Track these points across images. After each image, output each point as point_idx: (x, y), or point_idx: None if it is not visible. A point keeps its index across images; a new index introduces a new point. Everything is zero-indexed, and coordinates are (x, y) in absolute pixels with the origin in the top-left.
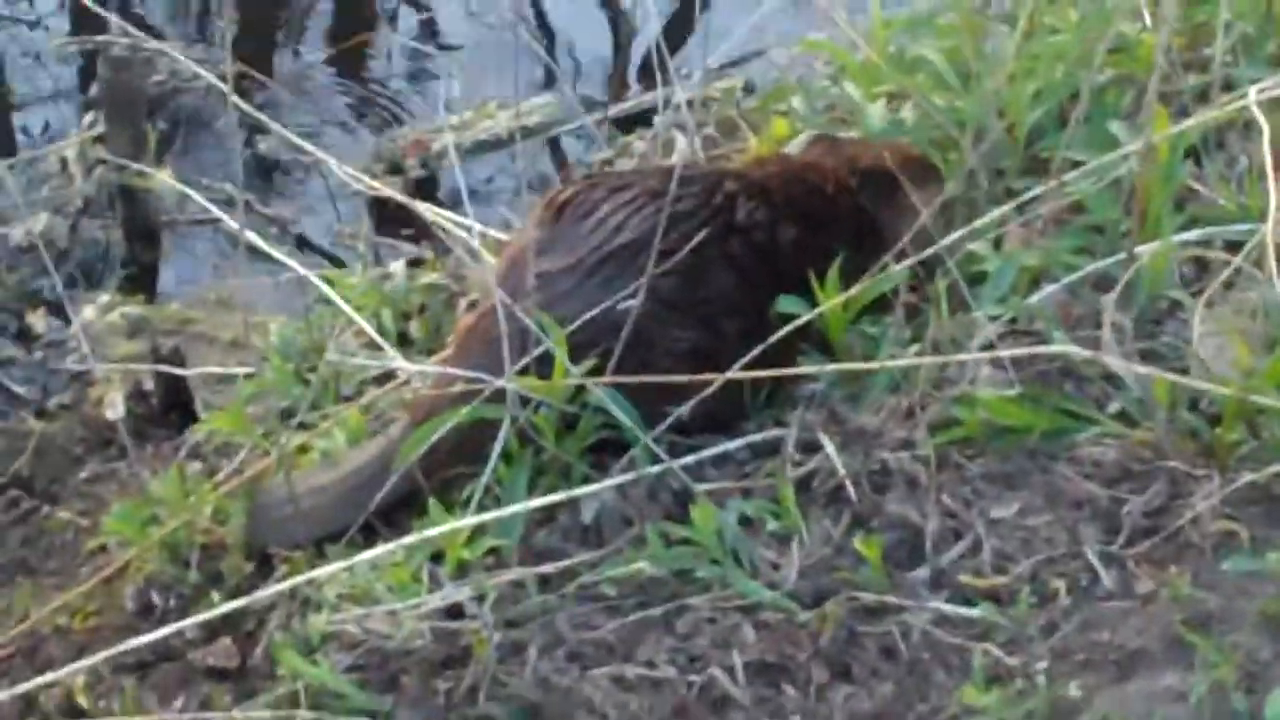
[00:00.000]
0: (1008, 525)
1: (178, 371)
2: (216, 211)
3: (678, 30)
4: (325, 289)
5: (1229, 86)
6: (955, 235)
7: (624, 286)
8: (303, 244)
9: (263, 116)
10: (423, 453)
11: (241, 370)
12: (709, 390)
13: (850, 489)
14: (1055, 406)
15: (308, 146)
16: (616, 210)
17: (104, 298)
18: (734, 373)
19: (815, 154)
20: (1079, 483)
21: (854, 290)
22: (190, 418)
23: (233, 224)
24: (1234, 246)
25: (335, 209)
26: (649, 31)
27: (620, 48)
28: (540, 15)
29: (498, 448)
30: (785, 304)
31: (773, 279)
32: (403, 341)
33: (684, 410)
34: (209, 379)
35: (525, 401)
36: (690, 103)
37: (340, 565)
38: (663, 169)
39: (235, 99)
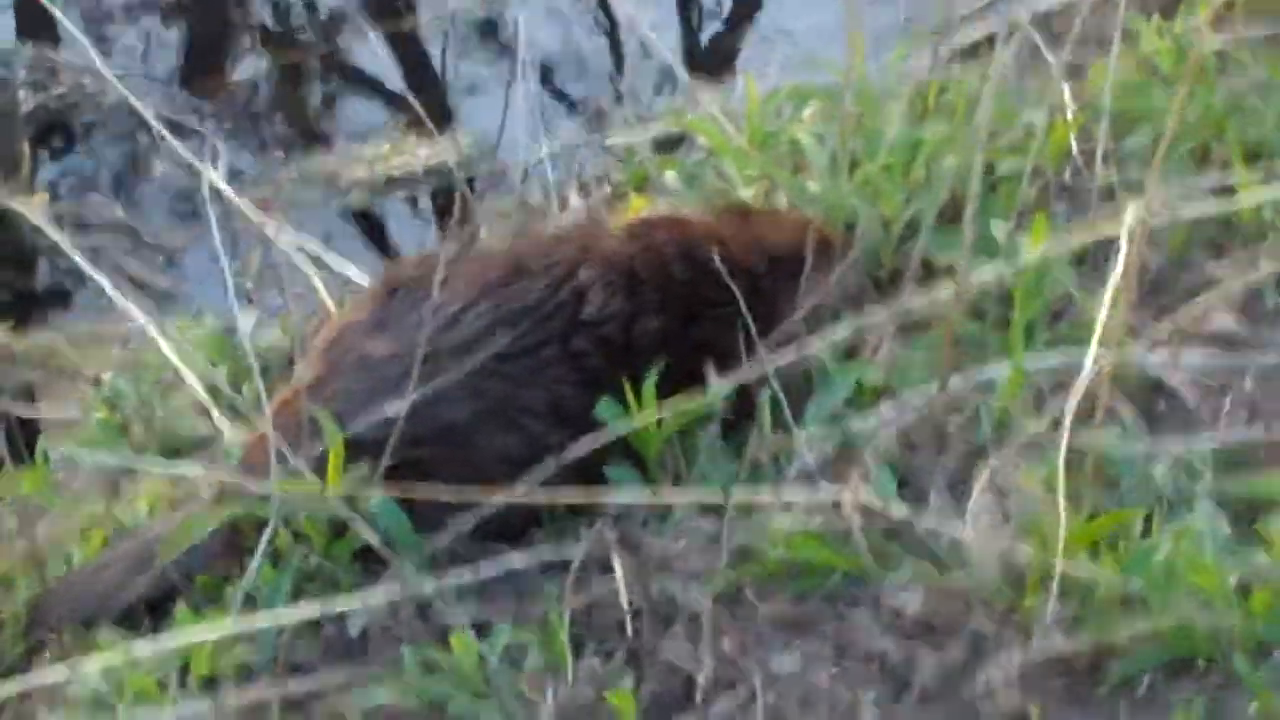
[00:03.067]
0: (788, 679)
1: (17, 412)
2: (65, 244)
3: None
4: (160, 341)
5: (1136, 188)
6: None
7: (451, 385)
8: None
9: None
10: (194, 546)
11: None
12: (497, 503)
13: (629, 623)
14: (860, 544)
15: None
16: (453, 300)
17: None
18: (515, 496)
19: (718, 227)
20: (874, 635)
21: (668, 410)
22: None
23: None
24: None
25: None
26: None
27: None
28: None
29: (259, 551)
30: (602, 410)
31: (628, 372)
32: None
33: (465, 526)
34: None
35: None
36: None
37: (71, 670)
38: (514, 252)
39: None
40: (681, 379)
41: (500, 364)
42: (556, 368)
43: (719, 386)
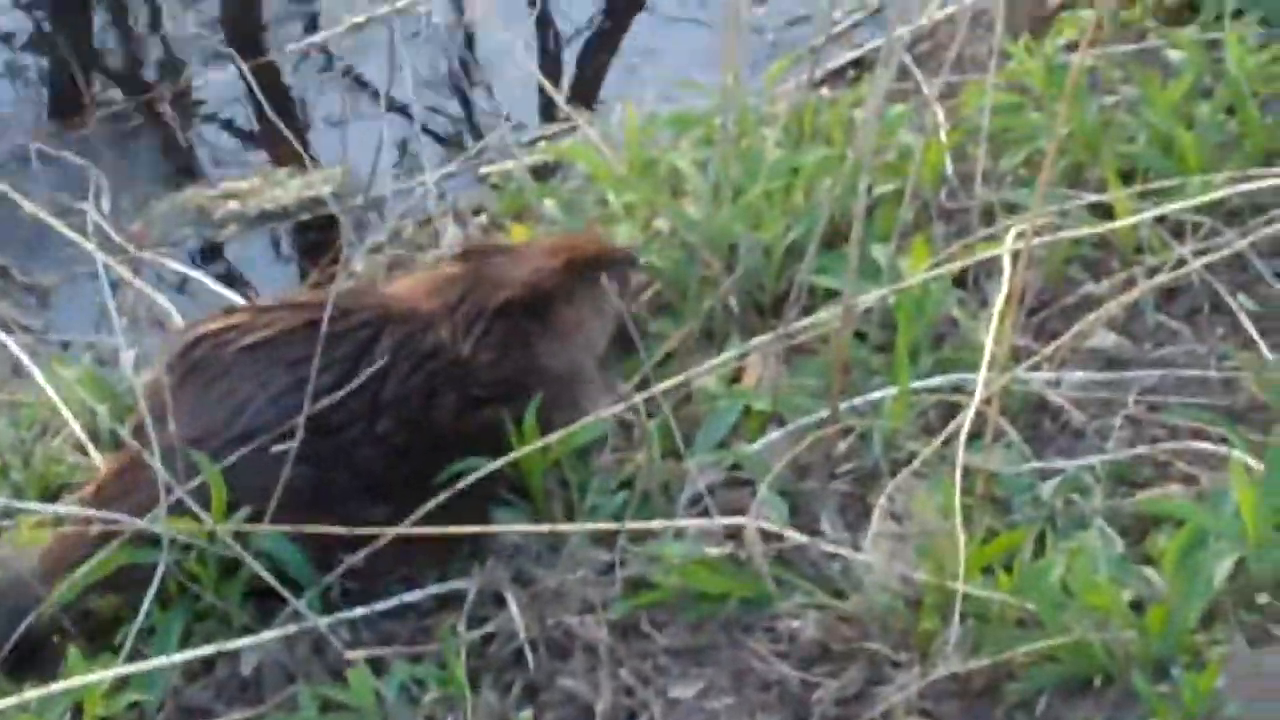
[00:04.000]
0: (686, 708)
1: None
2: None
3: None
4: (40, 380)
5: (1013, 209)
6: (675, 378)
7: (252, 475)
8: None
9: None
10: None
11: None
12: (377, 545)
13: (529, 655)
14: (762, 571)
15: (57, 224)
16: (245, 379)
17: None
18: (405, 528)
19: (464, 283)
20: (771, 662)
21: (552, 437)
22: None
23: None
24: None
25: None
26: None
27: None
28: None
29: (150, 594)
30: (471, 464)
31: (432, 445)
32: (119, 445)
33: (357, 559)
34: None
35: (183, 547)
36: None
37: None
38: (309, 316)
39: None
40: (488, 448)
41: (304, 447)
42: (364, 448)
43: (607, 413)
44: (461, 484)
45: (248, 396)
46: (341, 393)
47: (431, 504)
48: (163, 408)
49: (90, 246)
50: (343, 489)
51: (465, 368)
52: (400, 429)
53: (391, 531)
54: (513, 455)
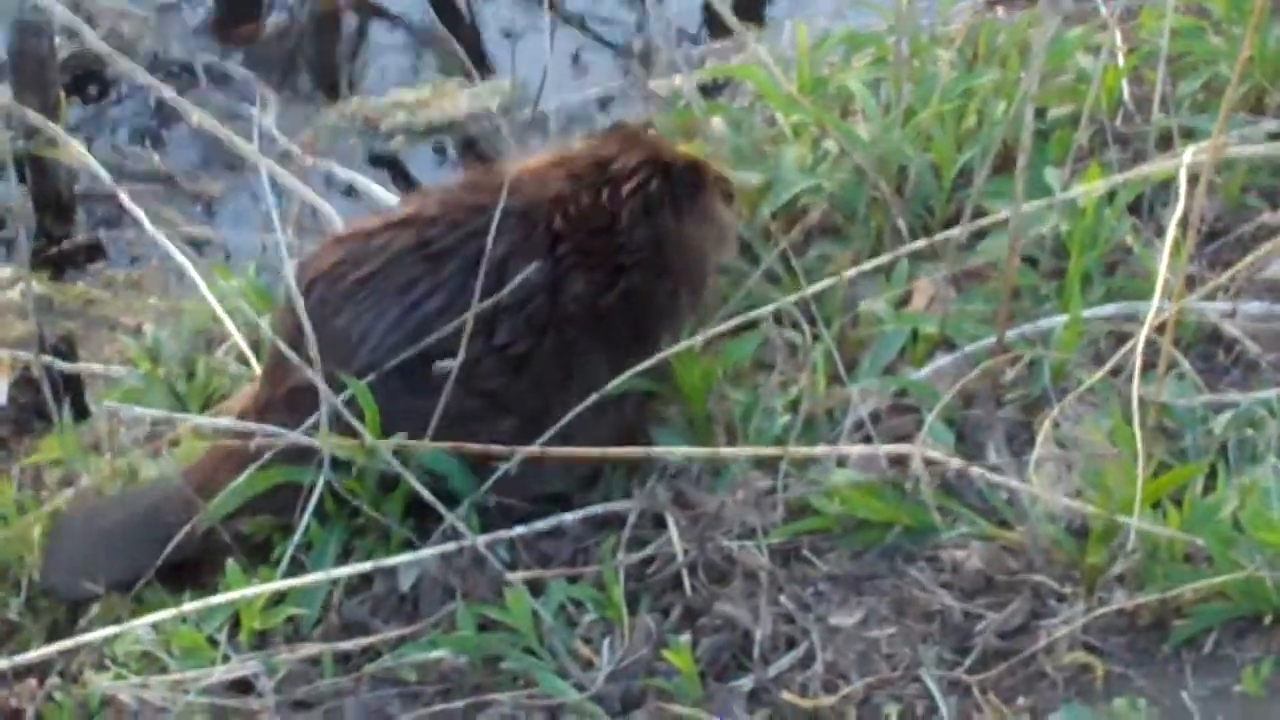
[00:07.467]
0: (846, 635)
1: (61, 366)
2: (118, 190)
3: None
4: (204, 289)
5: (1190, 134)
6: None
7: (380, 405)
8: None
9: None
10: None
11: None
12: (512, 463)
13: (686, 580)
14: (927, 499)
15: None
16: (361, 314)
17: (6, 271)
18: (567, 454)
19: (607, 149)
20: (934, 591)
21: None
22: (83, 410)
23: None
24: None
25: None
26: None
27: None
28: None
29: (308, 508)
30: (618, 384)
31: (558, 347)
32: None
33: (512, 465)
34: (107, 364)
35: (337, 463)
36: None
37: (123, 627)
38: (422, 236)
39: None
40: (621, 335)
41: (420, 376)
42: (483, 363)
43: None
44: (594, 398)
45: (365, 330)
46: (455, 323)
47: (569, 417)
48: (297, 336)
49: (253, 153)
50: (465, 410)
51: (607, 236)
52: (521, 336)
53: (527, 450)
54: (669, 353)
